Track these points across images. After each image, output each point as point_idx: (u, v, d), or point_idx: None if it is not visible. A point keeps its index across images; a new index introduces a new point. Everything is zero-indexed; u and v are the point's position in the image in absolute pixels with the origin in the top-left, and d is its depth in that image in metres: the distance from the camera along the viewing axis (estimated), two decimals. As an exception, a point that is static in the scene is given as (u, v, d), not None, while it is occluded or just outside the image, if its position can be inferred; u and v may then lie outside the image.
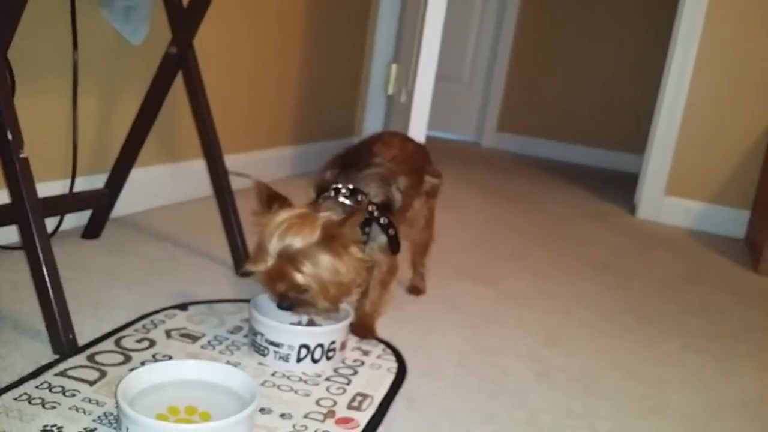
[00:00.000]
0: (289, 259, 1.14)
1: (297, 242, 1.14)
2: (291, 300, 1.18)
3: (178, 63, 1.60)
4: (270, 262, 1.15)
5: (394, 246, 1.34)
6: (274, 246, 1.14)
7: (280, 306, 1.19)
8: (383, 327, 1.42)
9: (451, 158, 3.99)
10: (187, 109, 1.67)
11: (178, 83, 1.64)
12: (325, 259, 1.15)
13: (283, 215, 1.17)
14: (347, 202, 1.27)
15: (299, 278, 1.14)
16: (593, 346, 1.54)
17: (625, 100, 4.52)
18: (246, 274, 1.64)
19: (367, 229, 1.30)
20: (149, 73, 1.65)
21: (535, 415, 1.18)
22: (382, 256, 1.34)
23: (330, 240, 1.15)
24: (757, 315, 1.93)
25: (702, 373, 1.47)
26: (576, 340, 1.56)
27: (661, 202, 3.03)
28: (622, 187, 3.73)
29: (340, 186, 1.28)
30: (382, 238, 1.32)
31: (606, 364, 1.45)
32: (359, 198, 1.28)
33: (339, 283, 1.17)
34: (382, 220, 1.30)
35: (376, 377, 1.22)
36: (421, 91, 2.19)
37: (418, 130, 2.18)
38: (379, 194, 1.31)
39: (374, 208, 1.29)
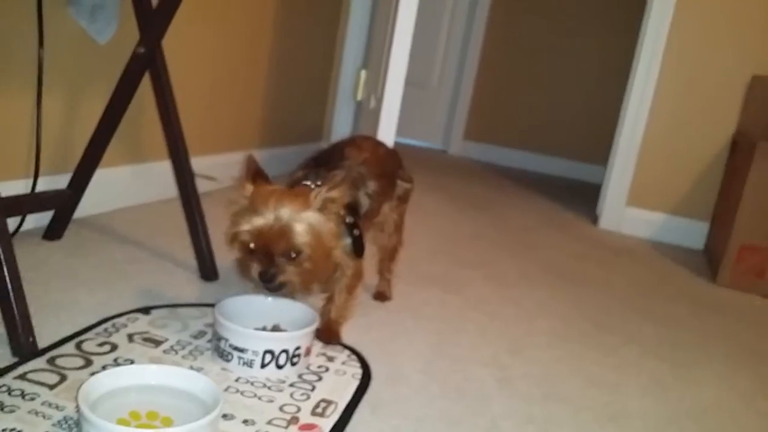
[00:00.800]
0: (289, 220, 1.16)
1: (296, 209, 1.17)
2: (277, 267, 1.17)
3: (146, 63, 1.58)
4: (266, 221, 1.15)
5: (358, 248, 1.34)
6: (270, 209, 1.16)
7: (263, 275, 1.17)
8: (348, 333, 1.42)
9: (418, 165, 4.00)
10: (151, 110, 1.65)
11: (143, 83, 1.62)
12: (321, 225, 1.18)
13: (274, 187, 1.21)
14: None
15: (299, 237, 1.16)
16: (555, 354, 1.56)
17: (591, 112, 4.59)
18: (209, 278, 1.63)
19: None
20: (115, 72, 1.63)
21: (497, 422, 1.20)
22: (347, 260, 1.34)
23: (323, 206, 1.19)
24: (714, 325, 1.97)
25: (661, 381, 1.50)
26: (538, 348, 1.58)
27: (622, 213, 3.08)
28: (585, 198, 3.78)
29: (309, 183, 1.28)
30: (347, 240, 1.32)
31: (567, 371, 1.47)
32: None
33: (327, 253, 1.21)
34: (347, 219, 1.31)
35: (341, 383, 1.22)
36: (391, 98, 2.20)
37: (386, 136, 2.18)
38: (346, 195, 1.31)
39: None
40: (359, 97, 3.25)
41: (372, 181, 1.39)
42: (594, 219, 3.22)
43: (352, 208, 1.33)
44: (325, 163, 1.36)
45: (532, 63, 4.72)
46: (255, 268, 1.18)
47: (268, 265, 1.17)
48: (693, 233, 2.97)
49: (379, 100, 2.34)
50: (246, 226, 1.16)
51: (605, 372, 1.50)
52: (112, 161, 1.94)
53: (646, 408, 1.36)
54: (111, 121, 1.64)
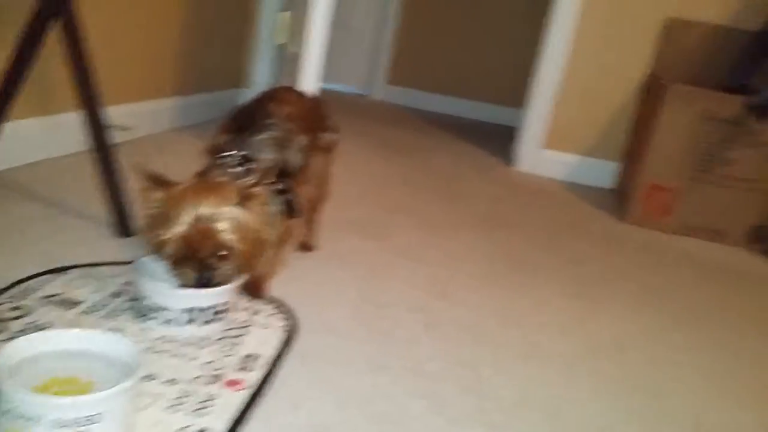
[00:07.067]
0: (211, 221, 1.11)
1: (215, 206, 1.12)
2: (212, 269, 1.14)
3: (54, 8, 1.47)
4: (187, 226, 1.11)
5: (292, 210, 1.32)
6: (189, 212, 1.11)
7: (200, 280, 1.14)
8: (275, 285, 1.41)
9: (340, 111, 3.96)
10: (58, 57, 1.55)
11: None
12: (246, 218, 1.14)
13: (190, 185, 1.15)
14: (236, 170, 1.23)
15: (226, 236, 1.12)
16: (479, 298, 1.60)
17: (511, 56, 4.62)
18: (125, 234, 1.58)
19: None
20: (20, 18, 1.51)
21: (424, 365, 1.22)
22: (278, 221, 1.31)
23: (246, 200, 1.14)
24: (623, 262, 2.07)
25: (577, 318, 1.57)
26: (463, 292, 1.61)
27: (538, 155, 3.15)
28: (505, 141, 3.84)
29: (233, 152, 1.24)
30: (277, 205, 1.30)
31: (491, 314, 1.52)
32: (250, 167, 1.24)
33: (257, 240, 1.17)
34: (279, 186, 1.28)
35: (267, 336, 1.21)
36: (314, 42, 2.14)
37: (310, 82, 2.14)
38: (275, 160, 1.28)
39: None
40: (280, 40, 3.16)
41: (300, 136, 1.36)
42: (512, 162, 3.29)
43: (283, 170, 1.30)
44: (247, 124, 1.31)
45: (455, 5, 4.70)
46: (190, 276, 1.15)
47: (202, 269, 1.14)
48: (606, 173, 3.08)
49: (302, 45, 2.28)
50: (168, 236, 1.11)
51: (524, 312, 1.56)
52: (16, 114, 1.83)
53: (564, 344, 1.42)
54: (17, 73, 1.52)
